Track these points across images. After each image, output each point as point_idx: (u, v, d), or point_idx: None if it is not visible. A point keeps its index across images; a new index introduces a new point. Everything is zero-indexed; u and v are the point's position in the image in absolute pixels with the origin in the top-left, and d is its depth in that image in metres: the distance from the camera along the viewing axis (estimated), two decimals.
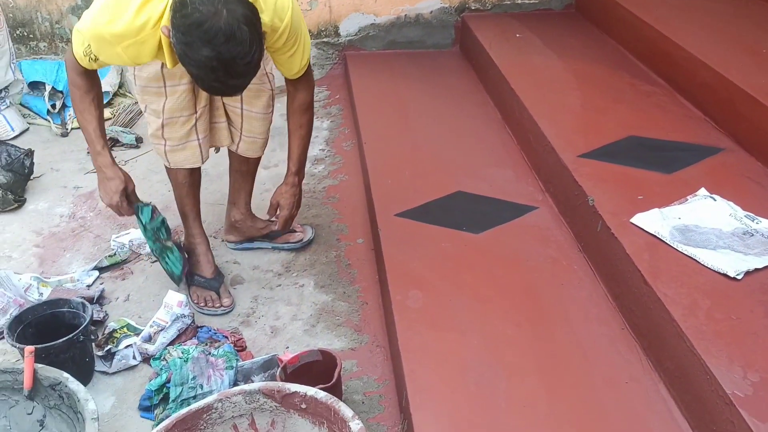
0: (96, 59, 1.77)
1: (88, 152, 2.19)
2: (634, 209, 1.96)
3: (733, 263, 1.72)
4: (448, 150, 2.71)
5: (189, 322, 1.97)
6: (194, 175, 2.16)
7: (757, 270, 1.71)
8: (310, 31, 2.41)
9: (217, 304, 2.14)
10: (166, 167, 2.15)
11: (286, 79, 2.01)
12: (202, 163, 2.11)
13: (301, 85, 2.01)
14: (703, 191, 2.03)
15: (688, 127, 2.46)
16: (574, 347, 1.76)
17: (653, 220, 1.91)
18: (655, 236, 1.85)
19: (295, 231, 2.42)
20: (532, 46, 3.29)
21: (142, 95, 1.99)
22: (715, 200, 1.99)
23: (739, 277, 1.68)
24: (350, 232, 2.48)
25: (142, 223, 2.04)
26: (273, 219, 2.25)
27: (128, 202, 1.97)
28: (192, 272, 2.19)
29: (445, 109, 3.08)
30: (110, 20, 1.67)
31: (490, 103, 3.12)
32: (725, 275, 1.69)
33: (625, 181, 2.13)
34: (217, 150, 2.25)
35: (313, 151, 3.00)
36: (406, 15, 3.63)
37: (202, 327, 2.01)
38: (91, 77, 1.88)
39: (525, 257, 2.09)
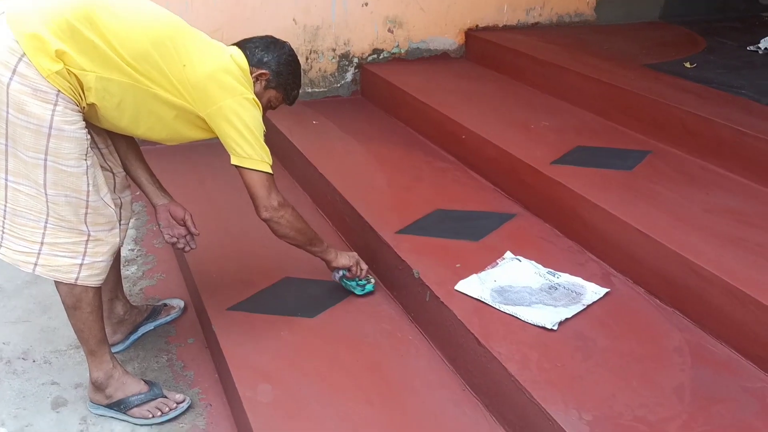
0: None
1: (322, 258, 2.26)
2: (456, 277, 2.14)
3: (548, 316, 1.94)
4: (266, 238, 2.72)
5: None
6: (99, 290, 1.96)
7: (567, 319, 1.95)
8: None
9: (174, 405, 2.01)
10: (65, 288, 1.87)
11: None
12: None
13: None
14: (509, 254, 2.28)
15: (482, 197, 2.75)
16: (425, 414, 1.85)
17: (474, 286, 2.10)
18: (479, 300, 2.04)
19: (166, 304, 2.49)
20: (329, 131, 3.47)
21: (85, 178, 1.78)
22: (520, 261, 2.24)
23: (555, 329, 1.90)
24: (178, 332, 2.38)
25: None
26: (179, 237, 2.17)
27: None
28: (123, 399, 1.99)
29: None
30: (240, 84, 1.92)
31: (298, 188, 3.22)
32: (544, 328, 1.91)
33: (442, 251, 2.32)
34: None
35: (122, 252, 2.85)
36: None
37: None
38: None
39: (362, 335, 2.16)
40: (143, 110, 1.83)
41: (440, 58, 4.15)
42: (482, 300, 2.03)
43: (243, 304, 2.29)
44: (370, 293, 2.34)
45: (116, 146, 2.02)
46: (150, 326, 2.36)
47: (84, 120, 1.75)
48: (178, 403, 2.01)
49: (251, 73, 1.99)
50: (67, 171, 1.73)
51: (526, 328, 1.92)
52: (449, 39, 4.14)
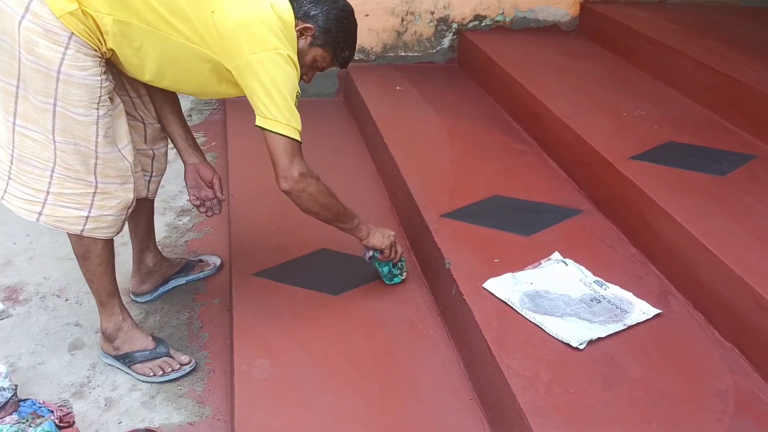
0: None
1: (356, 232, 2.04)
2: (490, 273, 1.94)
3: (577, 332, 1.71)
4: None
5: (9, 395, 1.78)
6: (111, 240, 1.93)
7: (600, 339, 1.71)
8: None
9: (177, 366, 1.97)
10: (74, 238, 1.86)
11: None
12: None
13: None
14: (556, 255, 2.04)
15: (552, 187, 2.49)
16: (421, 420, 1.69)
17: (505, 286, 1.89)
18: (505, 302, 1.83)
19: (201, 260, 2.44)
20: (411, 99, 3.29)
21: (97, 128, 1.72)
22: (566, 264, 1.99)
23: (581, 347, 1.67)
24: (208, 290, 2.35)
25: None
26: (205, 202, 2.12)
27: None
28: (129, 353, 1.97)
29: (323, 160, 2.97)
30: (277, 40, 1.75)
31: (368, 155, 3.09)
32: (568, 345, 1.68)
33: (484, 243, 2.12)
34: None
35: (181, 200, 2.87)
36: None
37: (25, 400, 1.83)
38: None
39: (382, 321, 2.02)
40: (166, 60, 1.75)
41: (549, 30, 3.82)
42: (509, 303, 1.83)
43: (270, 272, 2.21)
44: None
45: (152, 97, 1.97)
46: (181, 281, 2.35)
47: (101, 66, 1.69)
48: (182, 365, 1.97)
49: (296, 27, 1.85)
50: (75, 119, 1.68)
51: (548, 342, 1.70)
52: (561, 10, 3.80)
